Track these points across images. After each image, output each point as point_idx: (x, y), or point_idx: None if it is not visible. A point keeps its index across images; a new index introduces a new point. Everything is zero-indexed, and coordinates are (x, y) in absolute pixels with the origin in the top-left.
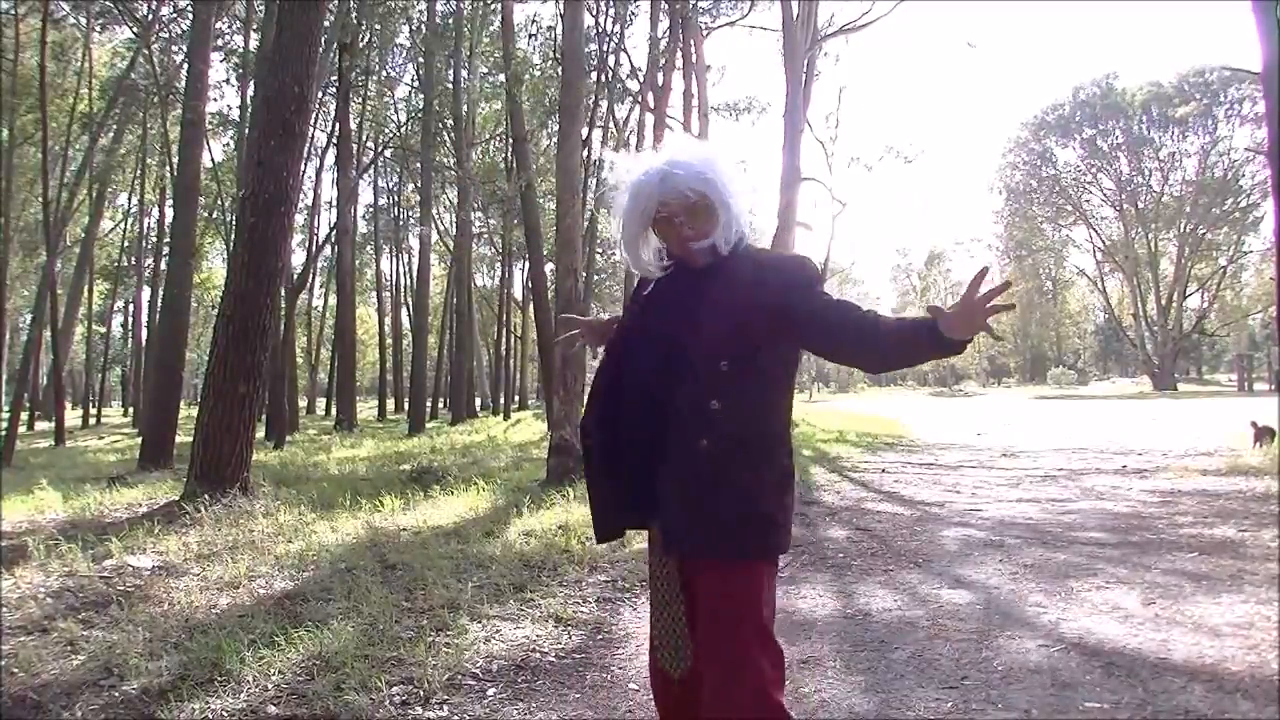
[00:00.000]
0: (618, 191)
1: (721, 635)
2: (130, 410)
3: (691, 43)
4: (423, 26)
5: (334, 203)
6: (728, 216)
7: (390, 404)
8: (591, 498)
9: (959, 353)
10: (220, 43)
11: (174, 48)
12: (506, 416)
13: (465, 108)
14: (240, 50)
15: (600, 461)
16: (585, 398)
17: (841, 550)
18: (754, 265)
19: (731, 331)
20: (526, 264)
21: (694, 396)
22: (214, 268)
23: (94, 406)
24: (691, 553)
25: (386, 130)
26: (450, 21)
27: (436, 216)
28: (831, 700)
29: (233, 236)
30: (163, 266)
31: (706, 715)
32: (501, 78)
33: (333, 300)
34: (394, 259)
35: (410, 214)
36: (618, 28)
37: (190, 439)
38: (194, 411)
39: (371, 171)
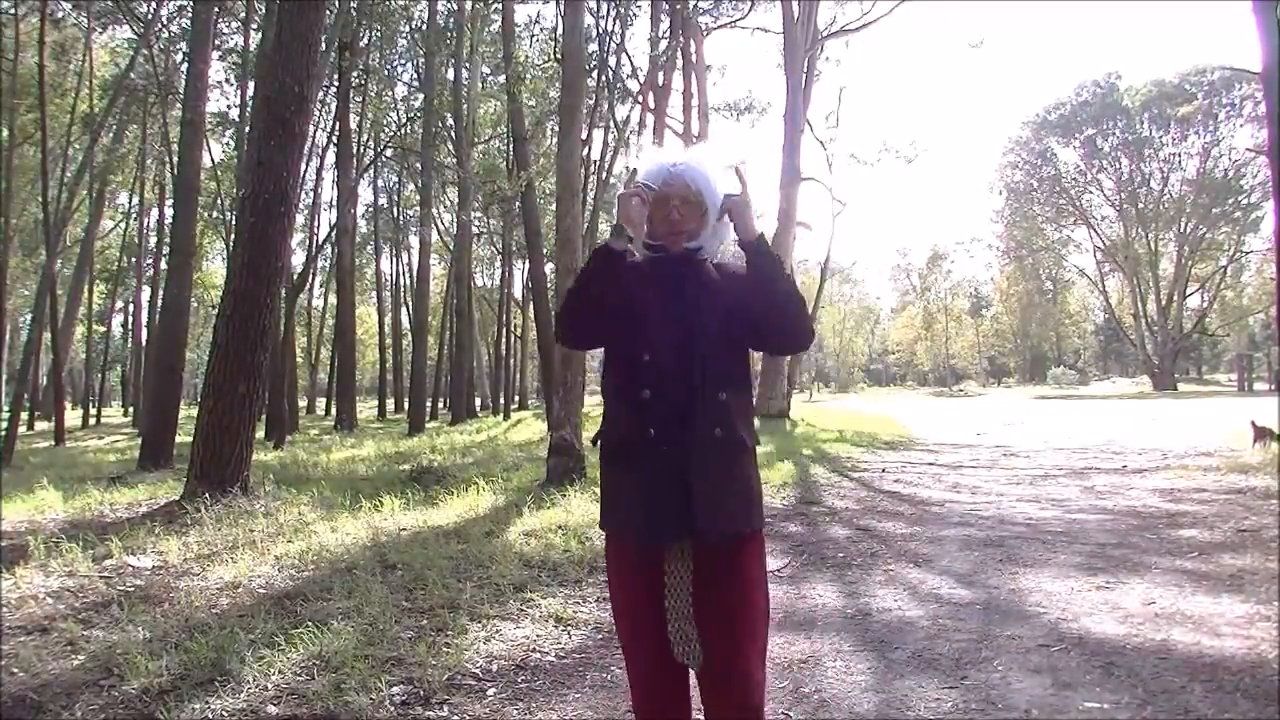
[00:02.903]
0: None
1: (742, 599)
2: (130, 410)
3: (691, 43)
4: (423, 26)
5: (334, 203)
6: (715, 229)
7: (390, 404)
8: (654, 500)
9: (752, 240)
10: (220, 43)
11: (174, 48)
12: (506, 416)
13: (465, 108)
14: (240, 50)
15: (677, 460)
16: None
17: (842, 550)
18: (723, 273)
19: (728, 327)
20: (526, 264)
21: (710, 388)
22: (214, 268)
23: (94, 406)
24: (726, 533)
25: (386, 130)
26: (451, 22)
27: (436, 216)
28: (831, 700)
29: (233, 236)
30: (163, 266)
31: (729, 670)
32: (502, 78)
33: (333, 300)
34: (394, 259)
35: (410, 214)
36: (618, 28)
37: (190, 439)
38: (194, 411)
39: (371, 171)
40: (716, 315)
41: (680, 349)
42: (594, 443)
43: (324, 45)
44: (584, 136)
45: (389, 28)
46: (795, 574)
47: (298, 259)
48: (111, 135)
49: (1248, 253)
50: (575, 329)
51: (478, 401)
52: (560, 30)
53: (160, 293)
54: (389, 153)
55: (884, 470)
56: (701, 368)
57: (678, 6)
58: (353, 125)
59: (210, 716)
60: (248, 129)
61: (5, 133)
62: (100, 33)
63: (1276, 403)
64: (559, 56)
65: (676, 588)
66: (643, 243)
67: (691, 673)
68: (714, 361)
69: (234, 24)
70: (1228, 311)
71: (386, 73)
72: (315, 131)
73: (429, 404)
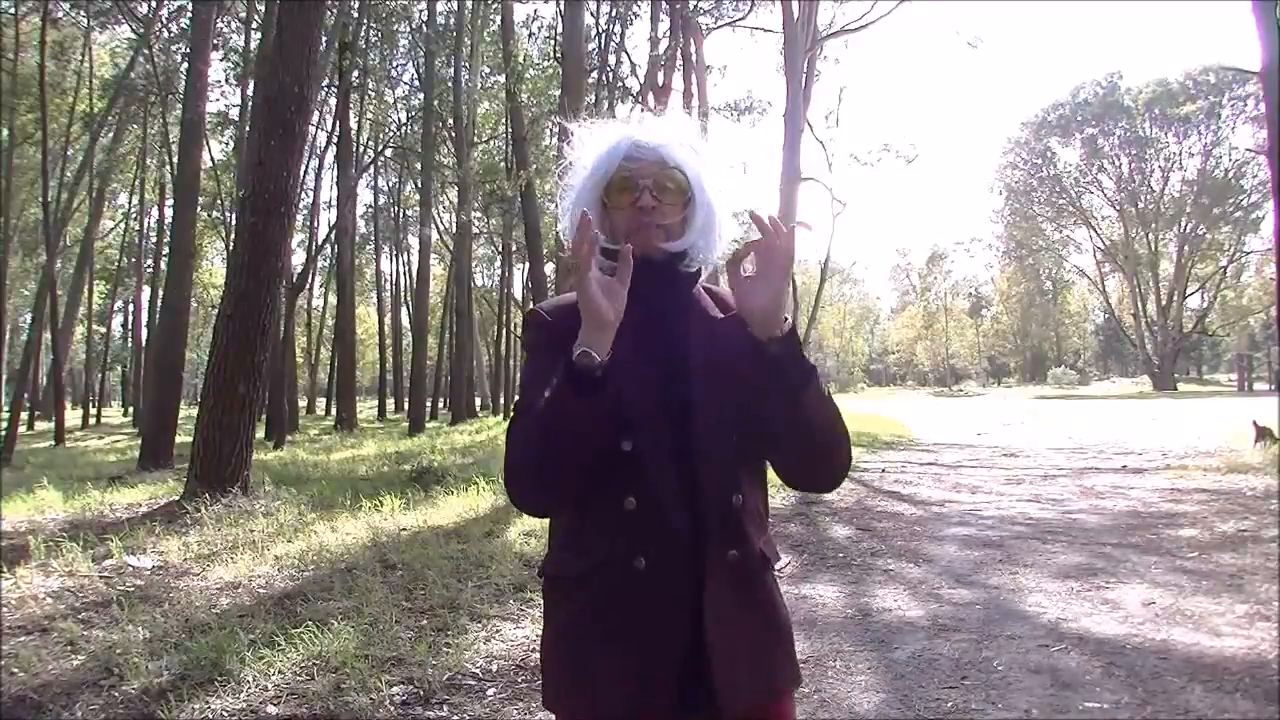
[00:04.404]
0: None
1: None
2: (130, 410)
3: (691, 43)
4: (423, 26)
5: (334, 203)
6: (706, 224)
7: (390, 404)
8: (652, 665)
9: (786, 363)
10: (220, 43)
11: (174, 48)
12: (507, 416)
13: (465, 108)
14: (240, 50)
15: (679, 601)
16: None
17: (842, 550)
18: (721, 305)
19: (735, 396)
20: (526, 264)
21: (718, 488)
22: (214, 268)
23: (94, 406)
24: (757, 703)
25: (386, 130)
26: (451, 21)
27: (436, 216)
28: (832, 700)
29: (233, 236)
30: (163, 266)
31: None
32: (502, 78)
33: (333, 300)
34: (394, 259)
35: (410, 214)
36: (618, 28)
37: (190, 439)
38: (194, 411)
39: (371, 171)
40: (720, 372)
41: (673, 429)
42: (540, 575)
43: (324, 45)
44: None
45: (389, 28)
46: (796, 573)
47: (298, 259)
48: (111, 135)
49: (1248, 253)
50: (543, 507)
51: (478, 401)
52: (560, 30)
53: (160, 293)
54: (389, 153)
55: (884, 470)
56: (706, 459)
57: (678, 6)
58: (353, 125)
59: (210, 716)
60: (248, 129)
61: (5, 133)
62: (100, 33)
63: (1276, 403)
64: (559, 56)
65: None
66: (599, 248)
67: None
68: (713, 444)
69: (234, 24)
70: (1228, 311)
71: (386, 73)
72: (315, 131)
73: (429, 404)
